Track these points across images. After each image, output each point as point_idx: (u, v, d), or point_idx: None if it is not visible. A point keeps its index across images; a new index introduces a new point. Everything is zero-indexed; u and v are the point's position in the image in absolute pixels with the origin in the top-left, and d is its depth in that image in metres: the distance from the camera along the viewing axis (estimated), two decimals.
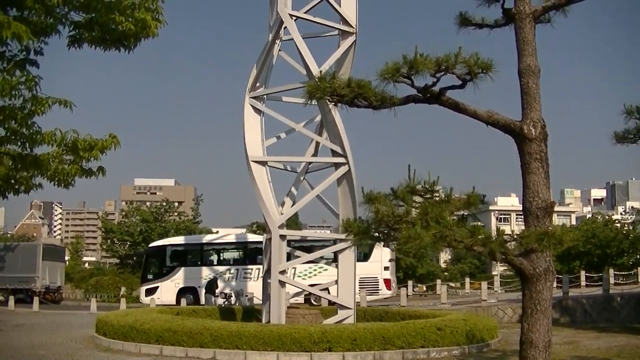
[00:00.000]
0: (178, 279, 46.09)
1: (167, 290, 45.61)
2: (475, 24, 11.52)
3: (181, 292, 45.15)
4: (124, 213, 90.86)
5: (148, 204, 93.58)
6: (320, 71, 12.45)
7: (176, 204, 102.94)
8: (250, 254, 46.24)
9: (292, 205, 28.03)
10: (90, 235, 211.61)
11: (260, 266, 36.70)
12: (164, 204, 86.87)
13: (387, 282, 45.60)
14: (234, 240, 50.08)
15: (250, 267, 45.58)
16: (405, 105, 10.08)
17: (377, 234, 10.52)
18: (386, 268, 45.80)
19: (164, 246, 49.48)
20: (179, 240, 52.62)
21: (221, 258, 48.34)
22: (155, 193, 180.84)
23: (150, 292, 45.90)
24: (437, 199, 10.57)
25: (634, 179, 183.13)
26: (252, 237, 49.87)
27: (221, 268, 46.35)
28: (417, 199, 10.63)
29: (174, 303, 42.91)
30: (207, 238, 52.95)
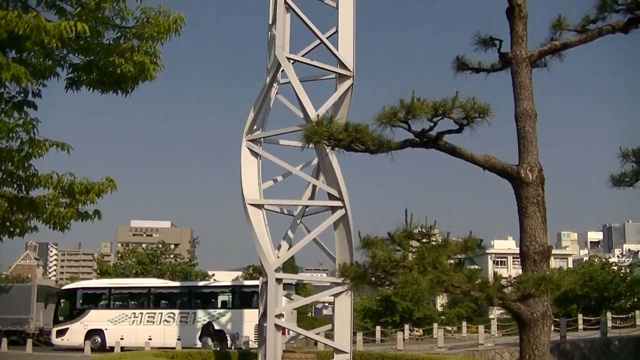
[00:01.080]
0: (87, 321, 47.21)
1: (76, 332, 46.72)
2: (472, 68, 11.60)
3: (89, 334, 46.29)
4: (119, 255, 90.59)
5: (144, 245, 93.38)
6: (318, 115, 12.49)
7: (172, 246, 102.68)
8: (156, 299, 48.16)
9: (289, 249, 27.90)
10: (86, 277, 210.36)
11: (164, 310, 42.99)
12: (160, 246, 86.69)
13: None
14: (139, 285, 51.85)
15: (155, 311, 47.07)
16: (402, 149, 10.09)
17: (373, 279, 10.46)
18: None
19: (76, 289, 50.94)
20: (90, 283, 55.61)
21: (129, 302, 49.63)
22: (152, 235, 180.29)
23: (60, 333, 46.99)
24: (434, 243, 10.54)
25: (630, 221, 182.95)
26: (158, 282, 52.94)
27: (128, 312, 47.73)
28: (414, 243, 10.60)
29: (82, 345, 44.33)
30: (116, 282, 55.12)
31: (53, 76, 13.54)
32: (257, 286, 37.65)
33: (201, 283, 59.21)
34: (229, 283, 52.44)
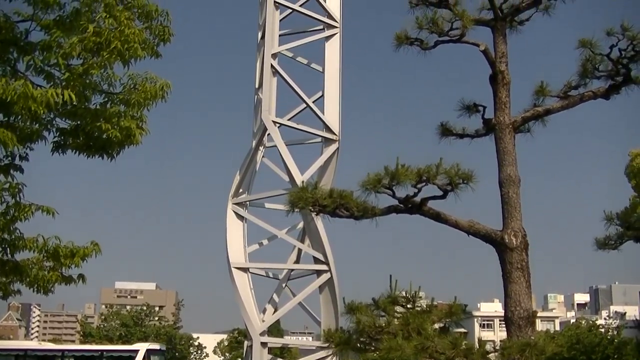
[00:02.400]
0: None
1: None
2: (456, 134, 11.73)
3: None
4: (103, 317, 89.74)
5: (128, 307, 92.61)
6: (303, 181, 12.57)
7: (157, 309, 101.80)
8: None
9: (274, 313, 27.78)
10: (69, 339, 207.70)
11: None
12: (145, 308, 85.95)
13: None
14: (15, 347, 50.79)
15: None
16: (387, 215, 10.15)
17: (358, 345, 10.42)
18: None
19: None
20: None
21: None
22: (136, 297, 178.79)
23: None
24: (418, 308, 10.55)
25: (617, 282, 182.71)
26: (34, 345, 53.00)
27: None
28: (399, 309, 10.60)
29: None
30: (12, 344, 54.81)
31: (40, 140, 13.57)
32: (132, 351, 37.59)
33: (78, 346, 59.28)
34: (102, 347, 51.60)
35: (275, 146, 26.09)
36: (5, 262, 14.38)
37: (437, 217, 10.27)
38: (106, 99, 13.49)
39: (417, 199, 10.07)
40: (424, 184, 9.91)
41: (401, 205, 10.10)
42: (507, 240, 10.08)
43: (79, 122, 13.32)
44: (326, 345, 11.36)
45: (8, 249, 14.13)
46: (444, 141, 11.77)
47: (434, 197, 10.12)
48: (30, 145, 13.72)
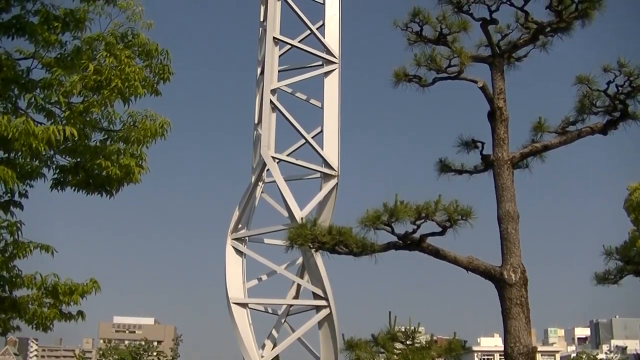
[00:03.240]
0: None
1: None
2: (455, 170, 11.79)
3: None
4: (101, 352, 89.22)
5: (127, 342, 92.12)
6: (302, 218, 12.59)
7: (155, 344, 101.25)
8: None
9: (273, 348, 27.66)
10: None
11: None
12: (143, 343, 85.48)
13: None
14: None
15: None
16: (386, 251, 10.17)
17: None
18: None
19: None
20: None
21: None
22: (135, 332, 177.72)
23: None
24: (418, 345, 10.53)
25: (617, 316, 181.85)
26: None
27: None
28: (398, 345, 10.58)
29: None
30: None
31: (40, 178, 13.61)
32: None
33: None
34: None
35: (275, 182, 26.13)
36: (4, 299, 14.36)
37: (437, 253, 10.29)
38: (106, 136, 13.57)
39: (416, 235, 10.10)
40: (423, 220, 9.93)
41: (400, 242, 10.12)
42: (506, 277, 10.08)
43: (78, 160, 13.37)
44: None
45: (6, 286, 14.12)
46: (443, 177, 11.83)
47: (433, 234, 10.15)
48: (29, 182, 13.76)
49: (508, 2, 11.33)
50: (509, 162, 10.84)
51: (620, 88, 11.24)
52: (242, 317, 25.79)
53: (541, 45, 11.85)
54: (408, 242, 10.11)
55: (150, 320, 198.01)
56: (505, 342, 10.15)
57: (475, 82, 11.23)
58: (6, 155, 12.87)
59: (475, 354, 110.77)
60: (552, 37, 11.73)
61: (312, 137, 27.20)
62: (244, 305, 26.17)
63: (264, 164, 26.36)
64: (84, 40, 12.91)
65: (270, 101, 26.70)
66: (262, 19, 29.54)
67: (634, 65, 11.01)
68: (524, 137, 11.70)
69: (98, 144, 13.47)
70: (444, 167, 11.75)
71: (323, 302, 25.08)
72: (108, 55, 12.50)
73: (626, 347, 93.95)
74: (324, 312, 25.04)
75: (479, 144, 11.46)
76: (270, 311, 28.61)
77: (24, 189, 13.67)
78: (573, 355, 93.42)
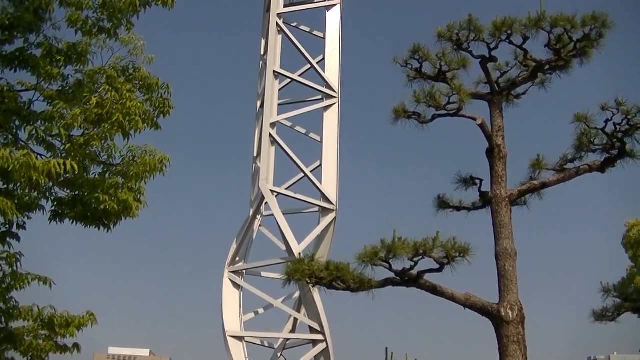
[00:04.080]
0: None
1: None
2: (453, 207, 11.82)
3: None
4: None
5: None
6: (300, 253, 12.59)
7: None
8: None
9: None
10: None
11: None
12: None
13: None
14: None
15: None
16: (383, 287, 10.18)
17: None
18: None
19: None
20: None
21: None
22: None
23: None
24: None
25: (616, 353, 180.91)
26: None
27: None
28: None
29: None
30: None
31: (38, 209, 13.63)
32: None
33: None
34: None
35: (273, 215, 26.12)
36: (0, 331, 14.32)
37: (434, 290, 10.30)
38: (105, 170, 13.63)
39: (414, 272, 10.11)
40: (421, 257, 9.95)
41: (398, 278, 10.13)
42: (503, 314, 10.07)
43: (77, 192, 13.41)
44: None
45: (3, 317, 14.08)
46: (441, 213, 11.86)
47: (431, 271, 10.16)
48: (28, 214, 13.78)
49: (507, 40, 11.42)
50: (507, 199, 10.87)
51: (618, 126, 11.30)
52: (238, 350, 25.66)
53: (540, 82, 11.93)
54: (405, 279, 10.13)
55: (145, 352, 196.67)
56: None
57: (474, 119, 11.30)
58: (5, 186, 12.90)
59: None
60: (551, 74, 11.81)
61: (311, 171, 27.23)
62: (240, 338, 26.05)
63: (263, 197, 26.37)
64: (86, 73, 13.01)
65: (270, 134, 26.77)
66: (262, 53, 29.71)
67: (631, 104, 11.08)
68: (522, 174, 11.76)
69: (97, 177, 13.52)
70: (443, 204, 11.79)
71: (320, 337, 24.97)
72: (110, 89, 12.60)
73: None
74: (320, 347, 24.92)
75: (477, 181, 11.51)
76: (266, 345, 28.45)
77: (22, 221, 13.69)
78: None
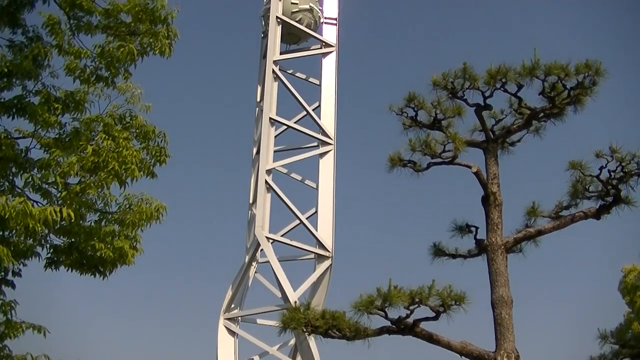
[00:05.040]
0: None
1: None
2: (449, 255, 11.82)
3: None
4: None
5: None
6: (296, 302, 12.56)
7: None
8: None
9: None
10: None
11: None
12: None
13: None
14: None
15: None
16: (379, 336, 10.14)
17: None
18: None
19: None
20: None
21: None
22: None
23: None
24: None
25: None
26: None
27: None
28: None
29: None
30: None
31: (34, 257, 13.56)
32: None
33: None
34: None
35: (268, 262, 26.03)
36: None
37: (430, 338, 10.26)
38: (101, 218, 13.59)
39: (410, 320, 10.09)
40: (417, 305, 9.94)
41: (394, 327, 10.10)
42: None
43: (73, 240, 13.35)
44: None
45: None
46: (437, 261, 11.86)
47: (427, 319, 10.14)
48: (23, 261, 13.72)
49: (502, 89, 11.52)
50: (502, 247, 10.89)
51: (612, 173, 11.36)
52: None
53: (534, 130, 12.01)
54: (401, 327, 10.10)
55: None
56: None
57: (470, 167, 11.34)
58: (1, 233, 12.86)
59: None
60: (545, 122, 11.89)
61: (307, 218, 27.21)
62: None
63: (258, 244, 26.30)
64: (83, 121, 13.06)
65: (266, 181, 26.79)
66: (258, 99, 29.85)
67: (625, 151, 11.14)
68: (517, 221, 11.77)
69: (93, 224, 13.48)
70: (438, 251, 11.79)
71: None
72: (106, 137, 12.63)
73: None
74: None
75: (473, 229, 11.52)
76: None
77: (17, 268, 13.62)
78: None
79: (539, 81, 11.28)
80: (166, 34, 12.78)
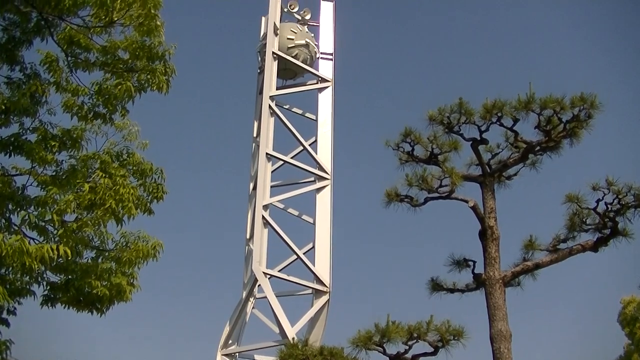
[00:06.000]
0: None
1: None
2: (447, 289, 11.79)
3: None
4: None
5: None
6: (294, 338, 12.51)
7: None
8: None
9: None
10: None
11: None
12: None
13: None
14: None
15: None
16: None
17: None
18: None
19: None
20: None
21: None
22: None
23: None
24: None
25: None
26: None
27: None
28: None
29: None
30: None
31: (29, 295, 13.51)
32: None
33: None
34: None
35: (266, 297, 25.91)
36: None
37: None
38: (98, 255, 13.57)
39: (408, 355, 10.05)
40: (415, 341, 9.90)
41: None
42: None
43: (69, 277, 13.31)
44: None
45: None
46: (435, 295, 11.83)
47: (425, 354, 10.09)
48: (19, 299, 13.65)
49: (498, 123, 11.57)
50: (500, 281, 10.87)
51: (609, 205, 11.38)
52: None
53: (531, 164, 12.04)
54: None
55: None
56: None
57: (467, 201, 11.36)
58: None
59: None
60: (542, 155, 11.93)
61: (304, 253, 27.10)
62: None
63: (256, 280, 26.17)
64: (80, 159, 13.07)
65: (263, 217, 26.73)
66: (255, 135, 29.86)
67: (622, 183, 11.17)
68: (515, 255, 11.77)
69: (90, 261, 13.45)
70: (436, 286, 11.77)
71: None
72: (103, 175, 12.63)
73: None
74: None
75: (471, 263, 11.51)
76: None
77: (13, 306, 13.56)
78: None
79: (535, 115, 11.34)
80: (163, 71, 12.83)
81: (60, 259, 12.42)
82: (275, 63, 29.48)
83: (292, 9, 30.67)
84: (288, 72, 30.56)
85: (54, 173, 13.01)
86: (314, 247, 27.04)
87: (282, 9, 30.40)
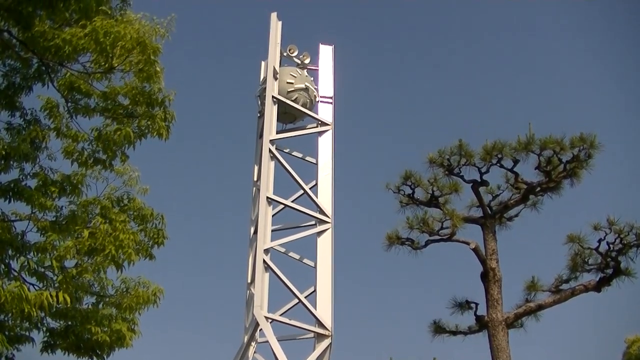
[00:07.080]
0: None
1: None
2: (449, 332, 11.74)
3: None
4: None
5: None
6: None
7: None
8: None
9: None
10: None
11: None
12: None
13: None
14: None
15: None
16: None
17: None
18: None
19: None
20: None
21: None
22: None
23: None
24: None
25: None
26: None
27: None
28: None
29: None
30: None
31: (28, 342, 13.42)
32: None
33: None
34: None
35: (267, 342, 25.74)
36: None
37: None
38: (98, 301, 13.51)
39: None
40: None
41: None
42: None
43: (69, 323, 13.24)
44: None
45: None
46: (437, 338, 11.76)
47: None
48: (17, 346, 13.56)
49: (498, 164, 11.59)
50: (503, 322, 10.83)
51: (611, 245, 11.37)
52: None
53: (532, 204, 12.06)
54: None
55: None
56: None
57: (468, 243, 11.34)
58: None
59: None
60: (542, 196, 11.94)
61: (306, 297, 26.97)
62: None
63: (257, 324, 25.99)
64: (80, 204, 13.07)
65: (264, 261, 26.62)
66: (255, 179, 29.87)
67: (623, 223, 11.17)
68: (517, 296, 11.74)
69: (90, 307, 13.39)
70: (439, 329, 11.72)
71: None
72: (103, 221, 12.62)
73: None
74: None
75: (473, 305, 11.47)
76: None
77: (11, 354, 13.47)
78: None
79: (535, 156, 11.37)
80: (163, 117, 12.87)
81: (60, 305, 12.35)
82: (275, 107, 29.57)
83: (292, 53, 30.85)
84: (288, 116, 30.65)
85: (53, 219, 13.00)
86: (315, 290, 26.91)
87: (281, 53, 30.56)
